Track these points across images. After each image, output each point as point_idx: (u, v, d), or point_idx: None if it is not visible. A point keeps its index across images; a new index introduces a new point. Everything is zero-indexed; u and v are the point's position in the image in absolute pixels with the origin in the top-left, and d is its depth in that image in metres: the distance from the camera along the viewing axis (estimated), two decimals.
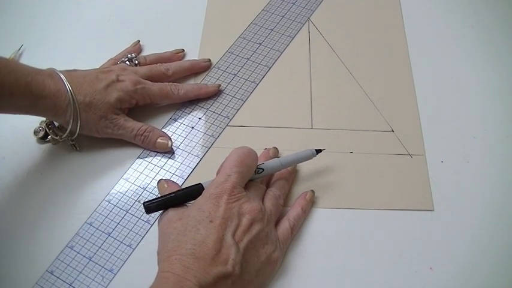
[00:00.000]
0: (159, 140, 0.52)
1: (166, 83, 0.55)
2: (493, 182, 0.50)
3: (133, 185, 0.51)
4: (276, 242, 0.43)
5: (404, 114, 0.56)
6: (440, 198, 0.49)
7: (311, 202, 0.49)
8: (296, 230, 0.47)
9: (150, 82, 0.53)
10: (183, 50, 0.60)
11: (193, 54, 0.61)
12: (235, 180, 0.42)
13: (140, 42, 0.61)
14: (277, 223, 0.46)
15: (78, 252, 0.46)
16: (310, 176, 0.51)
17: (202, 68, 0.59)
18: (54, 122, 0.52)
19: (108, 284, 0.45)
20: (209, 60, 0.59)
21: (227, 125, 0.55)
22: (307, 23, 0.63)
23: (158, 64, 0.56)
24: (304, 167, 0.51)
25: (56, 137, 0.51)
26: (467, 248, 0.46)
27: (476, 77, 0.58)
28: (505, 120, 0.55)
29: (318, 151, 0.48)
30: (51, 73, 0.49)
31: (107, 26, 0.65)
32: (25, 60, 0.61)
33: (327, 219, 0.49)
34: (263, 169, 0.46)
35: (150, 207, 0.44)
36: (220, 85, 0.57)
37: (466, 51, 0.60)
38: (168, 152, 0.52)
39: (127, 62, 0.56)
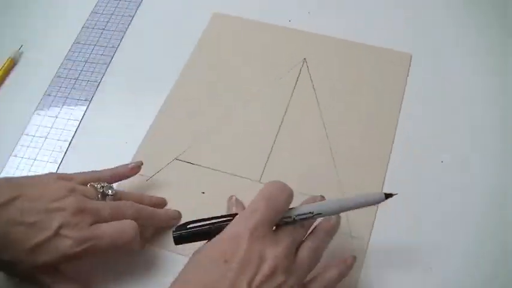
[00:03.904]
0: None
1: (119, 224, 0.41)
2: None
3: None
4: None
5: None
6: None
7: (350, 269, 0.40)
8: None
9: (100, 231, 0.40)
10: (165, 200, 0.48)
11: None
12: (261, 216, 0.35)
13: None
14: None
15: None
16: None
17: (171, 224, 0.46)
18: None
19: None
20: (179, 215, 0.47)
21: (175, 159, 0.51)
22: (301, 63, 0.58)
23: (129, 203, 0.43)
24: None
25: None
26: None
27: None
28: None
29: (388, 196, 0.38)
30: None
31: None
32: (25, 60, 0.61)
33: None
34: (312, 212, 0.37)
35: (180, 238, 0.39)
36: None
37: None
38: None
39: (99, 195, 0.42)
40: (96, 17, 0.65)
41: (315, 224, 0.40)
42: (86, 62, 0.60)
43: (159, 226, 0.46)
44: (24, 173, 0.51)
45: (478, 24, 0.61)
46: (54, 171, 0.51)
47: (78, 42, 0.63)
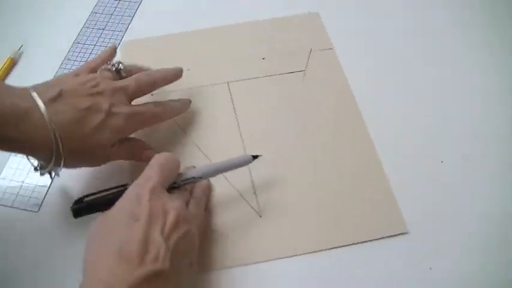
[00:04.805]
0: (145, 153, 0.49)
1: (154, 105, 0.49)
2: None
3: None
4: (196, 250, 0.41)
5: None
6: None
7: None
8: None
9: (139, 109, 0.47)
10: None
11: None
12: (156, 180, 0.40)
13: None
14: None
15: None
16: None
17: (178, 77, 0.53)
18: None
19: None
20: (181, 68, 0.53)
21: None
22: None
23: (144, 73, 0.50)
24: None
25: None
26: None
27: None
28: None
29: (255, 157, 0.45)
30: (27, 111, 0.40)
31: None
32: (25, 60, 0.61)
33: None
34: (194, 177, 0.43)
35: (78, 210, 0.42)
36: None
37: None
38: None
39: (113, 71, 0.49)
40: (96, 17, 0.66)
41: None
42: (86, 62, 0.60)
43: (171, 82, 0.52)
44: (24, 173, 0.51)
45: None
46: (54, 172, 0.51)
47: (78, 42, 0.63)
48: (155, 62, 0.53)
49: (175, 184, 0.43)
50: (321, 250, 0.45)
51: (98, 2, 0.67)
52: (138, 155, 0.49)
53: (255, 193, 0.49)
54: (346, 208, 0.47)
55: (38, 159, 0.44)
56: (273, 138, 0.52)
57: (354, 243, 0.45)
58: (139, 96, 0.49)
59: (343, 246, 0.45)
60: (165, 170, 0.41)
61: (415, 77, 0.57)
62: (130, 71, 0.50)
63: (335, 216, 0.47)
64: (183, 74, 0.53)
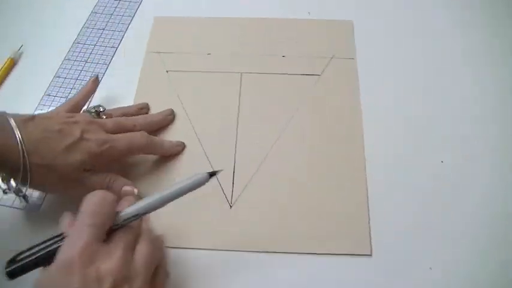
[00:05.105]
0: (123, 190, 0.45)
1: (131, 134, 0.48)
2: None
3: None
4: None
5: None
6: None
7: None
8: None
9: (114, 136, 0.46)
10: (147, 104, 0.55)
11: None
12: (88, 235, 0.34)
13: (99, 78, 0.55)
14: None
15: None
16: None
17: (169, 122, 0.54)
18: None
19: None
20: (172, 111, 0.54)
21: None
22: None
23: (124, 118, 0.50)
24: None
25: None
26: None
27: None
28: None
29: (213, 174, 0.39)
30: (2, 121, 0.41)
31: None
32: (25, 60, 0.61)
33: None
34: (137, 214, 0.37)
35: (13, 272, 0.36)
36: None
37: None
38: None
39: (93, 114, 0.49)
40: (96, 17, 0.66)
41: None
42: (86, 62, 0.60)
43: (153, 130, 0.52)
44: None
45: None
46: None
47: (78, 42, 0.63)
48: (181, 40, 0.60)
49: (117, 226, 0.37)
50: (279, 252, 0.45)
51: (98, 2, 0.67)
52: (115, 188, 0.45)
53: (232, 183, 0.49)
54: (318, 216, 0.47)
55: (5, 172, 0.42)
56: (267, 134, 0.52)
57: (315, 253, 0.45)
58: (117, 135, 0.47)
59: (308, 253, 0.45)
60: (97, 216, 0.36)
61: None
62: (110, 115, 0.50)
63: (305, 221, 0.47)
64: (204, 57, 0.58)
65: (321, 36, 0.61)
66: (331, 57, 0.58)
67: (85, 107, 0.52)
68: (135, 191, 0.46)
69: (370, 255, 0.45)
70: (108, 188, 0.45)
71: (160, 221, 0.41)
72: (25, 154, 0.41)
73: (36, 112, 0.56)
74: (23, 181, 0.42)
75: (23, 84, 0.59)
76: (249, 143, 0.51)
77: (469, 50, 0.59)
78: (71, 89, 0.58)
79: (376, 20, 0.62)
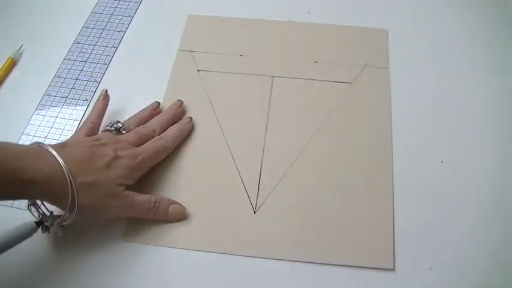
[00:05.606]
0: (171, 208, 0.48)
1: (154, 141, 0.51)
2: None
3: None
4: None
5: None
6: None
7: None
8: None
9: (142, 148, 0.49)
10: (159, 103, 0.55)
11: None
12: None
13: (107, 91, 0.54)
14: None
15: None
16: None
17: (180, 114, 0.55)
18: (38, 203, 0.45)
19: None
20: (181, 102, 0.55)
21: None
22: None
23: (141, 127, 0.52)
24: None
25: (47, 224, 0.44)
26: None
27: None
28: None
29: (40, 223, 0.43)
30: (40, 152, 0.42)
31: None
32: (25, 60, 0.61)
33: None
34: None
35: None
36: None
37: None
38: (183, 219, 0.48)
39: (113, 132, 0.50)
40: (96, 17, 0.66)
41: None
42: (86, 62, 0.60)
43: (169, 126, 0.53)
44: None
45: None
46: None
47: (78, 42, 0.63)
48: (214, 39, 0.60)
49: None
50: (299, 261, 0.45)
51: (98, 2, 0.67)
52: (164, 211, 0.48)
53: (258, 188, 0.49)
54: (342, 227, 0.47)
55: (55, 203, 0.44)
56: (295, 140, 0.52)
57: (337, 264, 0.45)
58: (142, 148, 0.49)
59: (331, 264, 0.45)
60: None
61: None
62: (129, 128, 0.51)
63: (329, 232, 0.46)
64: (236, 59, 0.58)
65: (354, 43, 0.60)
66: (364, 66, 0.57)
67: (101, 126, 0.52)
68: (184, 210, 0.48)
69: (393, 269, 0.44)
70: (155, 209, 0.47)
71: (184, 225, 0.47)
72: (69, 175, 0.42)
73: (36, 112, 0.56)
74: (71, 205, 0.43)
75: (23, 84, 0.59)
76: (276, 149, 0.50)
77: (469, 46, 0.60)
78: (71, 89, 0.58)
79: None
